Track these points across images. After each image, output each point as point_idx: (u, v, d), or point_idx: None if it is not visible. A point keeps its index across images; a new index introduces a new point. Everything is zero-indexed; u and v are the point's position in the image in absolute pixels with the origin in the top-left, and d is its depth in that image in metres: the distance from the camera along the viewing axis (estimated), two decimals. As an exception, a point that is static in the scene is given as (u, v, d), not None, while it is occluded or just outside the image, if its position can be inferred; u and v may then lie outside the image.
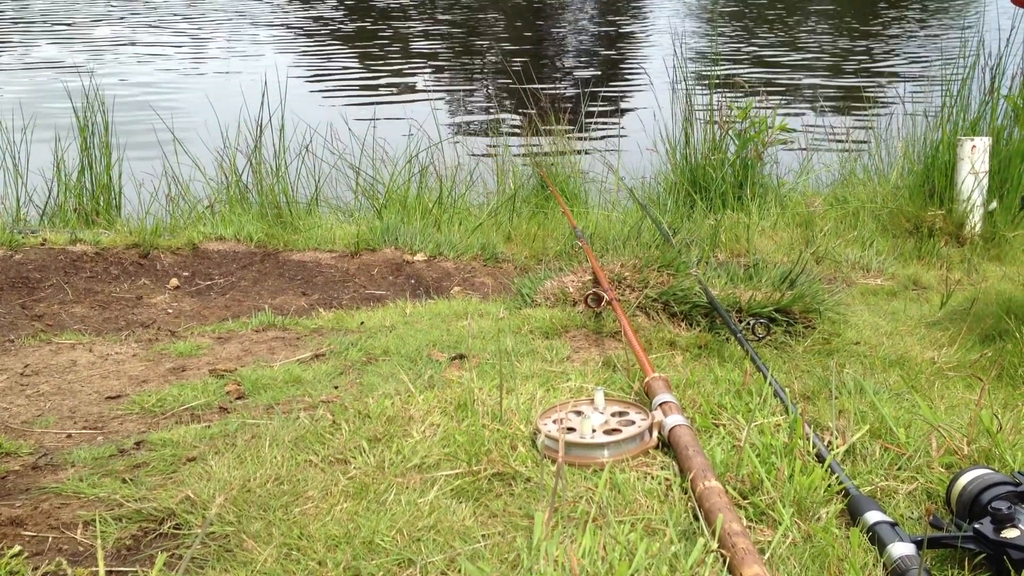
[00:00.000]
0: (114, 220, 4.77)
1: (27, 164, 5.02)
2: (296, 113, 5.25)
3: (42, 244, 4.03)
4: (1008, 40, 5.13)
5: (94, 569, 1.57)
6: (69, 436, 2.24)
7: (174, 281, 3.92)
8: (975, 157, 4.58)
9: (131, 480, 1.90)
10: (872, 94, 9.20)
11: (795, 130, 5.91)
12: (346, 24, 17.38)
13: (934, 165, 4.86)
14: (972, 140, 4.60)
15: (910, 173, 5.17)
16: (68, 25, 16.52)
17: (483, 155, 5.89)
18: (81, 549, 1.66)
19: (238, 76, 9.82)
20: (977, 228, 4.61)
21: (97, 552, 1.55)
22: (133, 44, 14.53)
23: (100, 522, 1.72)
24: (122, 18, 17.70)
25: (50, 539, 1.69)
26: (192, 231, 4.39)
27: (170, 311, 3.61)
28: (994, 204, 4.71)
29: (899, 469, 1.83)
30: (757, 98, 5.62)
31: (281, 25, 17.35)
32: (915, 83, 9.44)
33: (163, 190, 5.04)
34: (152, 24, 17.17)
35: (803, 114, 8.54)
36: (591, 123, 6.64)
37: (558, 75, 12.22)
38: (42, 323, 3.37)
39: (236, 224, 4.52)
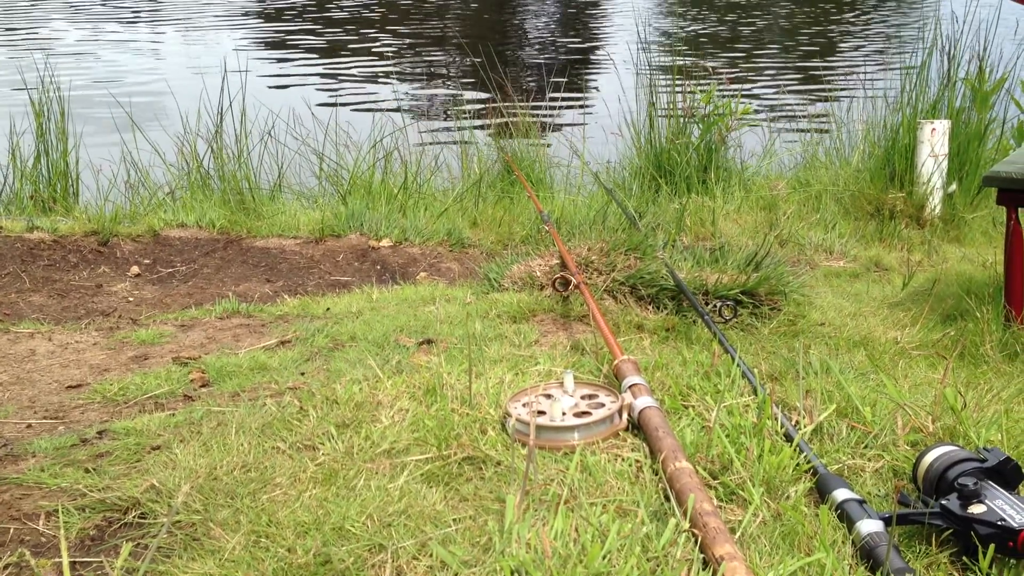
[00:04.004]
0: (72, 207, 4.68)
1: (-20, 151, 4.91)
2: (257, 98, 5.19)
3: (-2, 232, 3.95)
4: (964, 23, 5.19)
5: (57, 560, 1.54)
6: (29, 426, 2.19)
7: (135, 269, 3.86)
8: (935, 140, 4.63)
9: (94, 470, 1.86)
10: (833, 77, 9.28)
11: (758, 112, 5.95)
12: (307, 9, 17.19)
13: (894, 148, 4.92)
14: (932, 123, 4.65)
15: (871, 156, 5.22)
16: (24, 14, 16.18)
17: (448, 140, 5.86)
18: (44, 540, 1.63)
19: (198, 60, 9.68)
20: (937, 210, 4.67)
21: (60, 543, 1.52)
22: (91, 31, 14.26)
23: (63, 512, 1.69)
24: (78, 4, 17.37)
25: (11, 530, 1.66)
26: (152, 218, 4.32)
27: (131, 299, 3.55)
28: (953, 186, 4.77)
29: (866, 447, 1.84)
30: (719, 82, 5.64)
31: (241, 10, 17.12)
32: (875, 66, 9.54)
33: (122, 176, 4.95)
34: (109, 9, 16.87)
35: (765, 97, 8.60)
36: (556, 108, 6.63)
37: (523, 60, 12.19)
38: (-1, 312, 3.30)
39: (198, 211, 4.46)
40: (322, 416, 2.01)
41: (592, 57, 12.57)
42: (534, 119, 5.77)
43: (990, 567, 1.39)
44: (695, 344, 2.53)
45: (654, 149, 5.32)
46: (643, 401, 1.92)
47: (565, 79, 8.07)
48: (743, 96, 6.03)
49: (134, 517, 1.67)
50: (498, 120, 5.79)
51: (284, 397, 2.17)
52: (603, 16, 17.41)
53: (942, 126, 4.64)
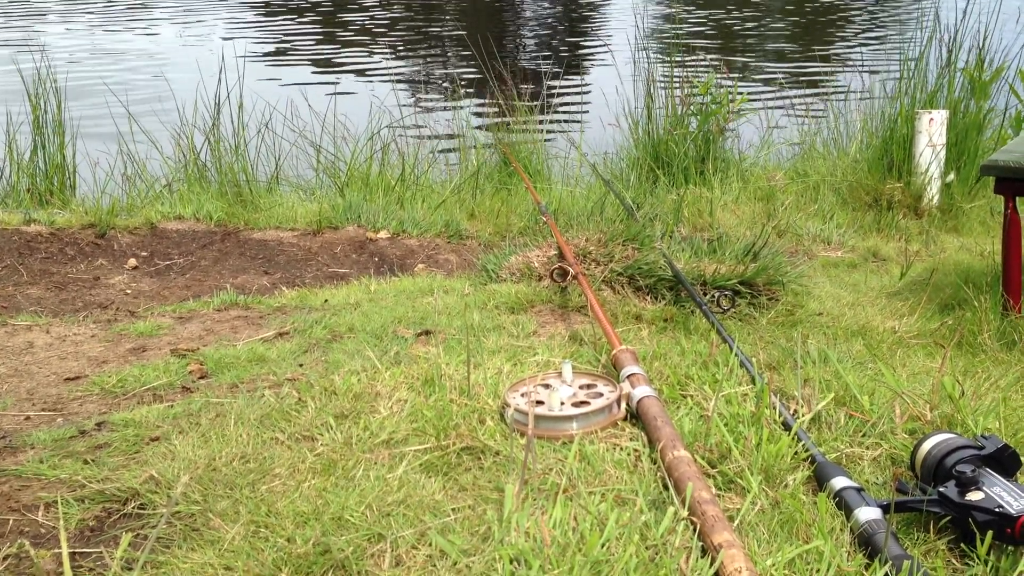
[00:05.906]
0: (69, 200, 4.67)
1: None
2: (255, 90, 5.17)
3: (-5, 225, 3.94)
4: (965, 13, 5.18)
5: (57, 551, 1.54)
6: (28, 418, 2.19)
7: (132, 261, 3.85)
8: (932, 130, 4.62)
9: (93, 461, 1.86)
10: (831, 68, 9.26)
11: (755, 104, 5.94)
12: (305, 2, 17.13)
13: (892, 138, 4.91)
14: (930, 113, 4.64)
15: (869, 147, 5.22)
16: (23, 6, 16.13)
17: (446, 132, 5.85)
18: (43, 531, 1.63)
19: (194, 53, 9.65)
20: (935, 200, 4.66)
21: (60, 534, 1.52)
22: (89, 24, 14.22)
23: (62, 504, 1.69)
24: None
25: (11, 521, 1.66)
26: (150, 210, 4.31)
27: (129, 291, 3.55)
28: (951, 176, 4.77)
29: (864, 436, 1.85)
30: (718, 73, 5.64)
31: (240, 3, 17.06)
32: (874, 56, 9.53)
33: (119, 169, 4.94)
34: (108, 2, 16.82)
35: (763, 87, 8.58)
36: (553, 98, 6.62)
37: (520, 50, 12.16)
38: (-3, 305, 3.30)
39: (195, 203, 4.45)
40: (321, 407, 2.01)
41: (590, 48, 12.54)
42: (532, 111, 5.76)
43: (988, 554, 1.39)
44: (693, 334, 2.53)
45: (652, 140, 5.31)
46: (641, 391, 1.92)
47: (563, 70, 8.06)
48: (739, 86, 6.02)
49: (133, 508, 1.67)
50: (496, 111, 5.78)
51: (282, 388, 2.17)
52: (602, 7, 17.37)
53: (940, 116, 4.63)
